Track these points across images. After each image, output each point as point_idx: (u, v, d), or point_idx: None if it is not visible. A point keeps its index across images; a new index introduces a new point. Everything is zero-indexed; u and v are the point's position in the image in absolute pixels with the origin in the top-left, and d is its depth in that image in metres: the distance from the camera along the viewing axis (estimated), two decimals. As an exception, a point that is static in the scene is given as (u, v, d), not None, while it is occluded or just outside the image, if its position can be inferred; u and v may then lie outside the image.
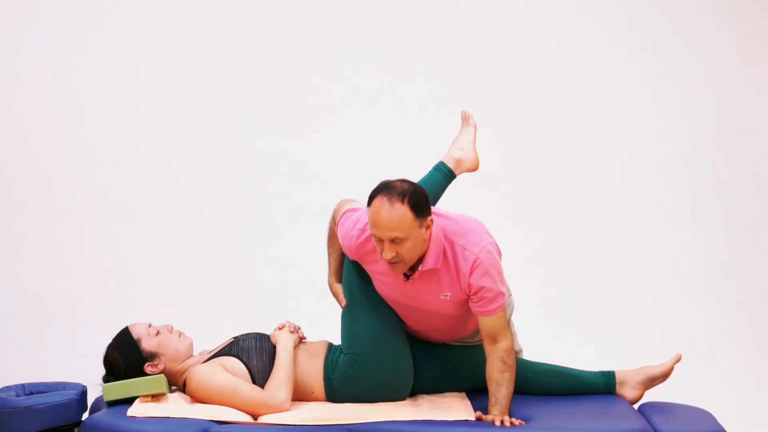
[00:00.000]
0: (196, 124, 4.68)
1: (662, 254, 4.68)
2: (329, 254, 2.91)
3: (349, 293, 2.81)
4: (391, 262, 2.49)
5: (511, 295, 2.89)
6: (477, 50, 4.77)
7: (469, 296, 2.56)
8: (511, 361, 2.55)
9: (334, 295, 2.89)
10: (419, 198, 2.46)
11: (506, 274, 2.89)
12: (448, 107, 4.67)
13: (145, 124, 4.65)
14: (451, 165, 3.05)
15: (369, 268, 2.72)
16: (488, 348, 2.56)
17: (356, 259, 2.73)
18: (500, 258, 2.61)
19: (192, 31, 4.68)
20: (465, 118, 3.20)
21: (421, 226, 2.46)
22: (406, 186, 2.47)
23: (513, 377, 2.55)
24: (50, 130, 4.58)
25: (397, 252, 2.44)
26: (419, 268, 2.54)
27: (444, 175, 3.03)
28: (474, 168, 3.10)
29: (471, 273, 2.52)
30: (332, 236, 2.87)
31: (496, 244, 2.62)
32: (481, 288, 2.52)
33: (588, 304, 4.54)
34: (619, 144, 4.77)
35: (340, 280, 2.88)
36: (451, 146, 3.12)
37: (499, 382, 2.53)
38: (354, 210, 2.75)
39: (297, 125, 4.71)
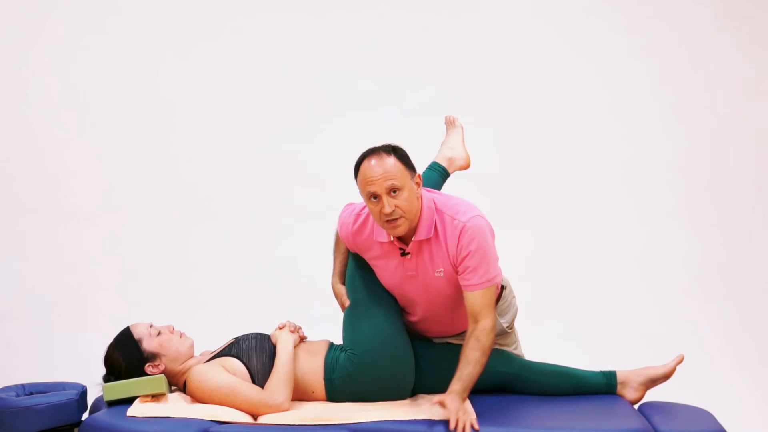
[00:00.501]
0: (200, 126, 4.68)
1: (663, 254, 4.68)
2: (335, 257, 2.95)
3: (351, 292, 2.83)
4: (391, 220, 2.51)
5: (514, 297, 2.89)
6: (477, 53, 4.78)
7: (456, 269, 2.57)
8: (485, 341, 2.51)
9: (336, 296, 2.91)
10: (405, 153, 2.58)
11: (508, 276, 2.89)
12: (450, 109, 4.71)
13: (150, 126, 4.65)
14: (444, 164, 3.11)
15: (368, 256, 2.74)
16: (469, 327, 2.54)
17: (354, 247, 2.76)
18: (492, 238, 2.61)
19: (196, 34, 4.69)
20: (450, 122, 3.27)
21: (411, 178, 2.54)
22: (389, 144, 2.58)
23: (484, 360, 2.52)
24: (55, 131, 4.59)
25: (396, 206, 2.49)
26: (413, 239, 2.57)
27: (439, 174, 3.08)
28: (466, 165, 3.15)
29: (458, 241, 2.54)
30: (338, 242, 2.93)
31: (489, 224, 2.62)
32: (466, 256, 2.53)
33: (589, 304, 4.54)
34: (618, 145, 4.78)
35: (343, 282, 2.89)
36: (441, 147, 3.19)
37: (469, 359, 2.50)
38: (353, 204, 2.81)
39: (299, 127, 4.72)
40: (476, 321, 2.53)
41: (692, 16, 4.79)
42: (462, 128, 3.22)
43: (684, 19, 4.80)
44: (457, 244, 2.54)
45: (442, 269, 2.60)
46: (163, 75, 4.66)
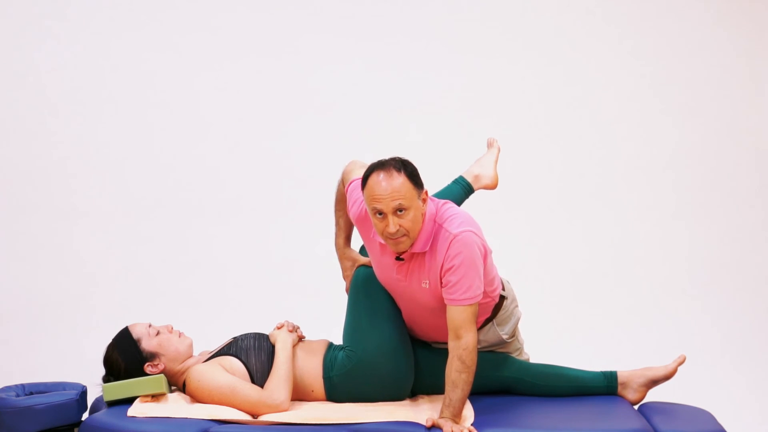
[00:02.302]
0: (197, 125, 4.68)
1: (663, 254, 4.68)
2: (337, 217, 2.92)
3: (353, 292, 2.82)
4: (394, 238, 2.50)
5: (516, 306, 2.88)
6: (477, 52, 4.77)
7: (441, 281, 2.55)
8: (470, 361, 2.49)
9: (340, 259, 2.90)
10: (414, 169, 2.53)
11: (508, 277, 2.89)
12: (446, 107, 4.72)
13: (146, 125, 4.65)
14: (470, 179, 3.09)
15: (368, 246, 2.74)
16: (451, 344, 2.51)
17: (361, 230, 2.74)
18: (483, 257, 2.57)
19: (189, 32, 4.68)
20: (490, 144, 3.25)
21: (419, 197, 2.51)
22: (399, 160, 2.53)
23: (471, 379, 2.50)
24: (50, 131, 4.58)
25: (401, 225, 2.47)
26: (410, 250, 2.56)
27: (462, 188, 3.07)
28: (492, 185, 3.13)
29: (445, 252, 2.52)
30: (341, 200, 2.89)
31: (483, 242, 2.59)
32: (449, 269, 2.51)
33: (589, 303, 4.54)
34: (619, 144, 4.78)
35: (348, 244, 2.89)
36: (474, 163, 3.17)
37: (456, 383, 2.48)
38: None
39: (297, 125, 4.72)
40: (458, 337, 2.50)
41: (692, 15, 4.79)
42: (499, 150, 3.20)
43: (684, 17, 4.79)
44: (444, 255, 2.52)
45: (428, 281, 2.58)
46: (156, 74, 4.65)
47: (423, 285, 2.60)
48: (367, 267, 2.82)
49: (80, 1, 4.62)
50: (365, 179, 2.51)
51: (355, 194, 2.74)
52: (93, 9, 4.62)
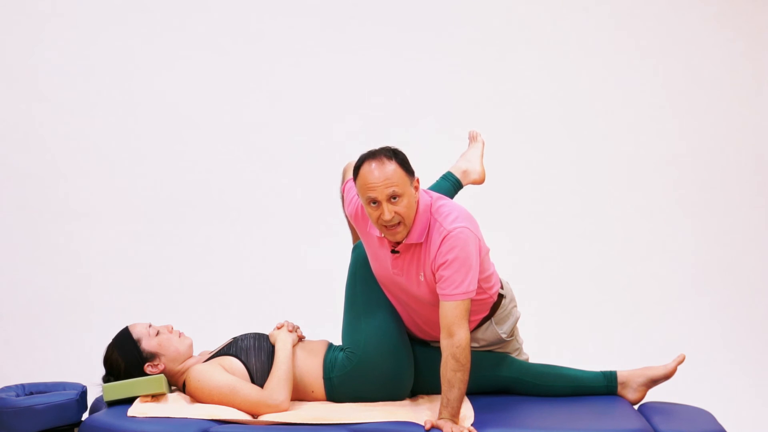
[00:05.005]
0: (200, 126, 4.68)
1: (663, 254, 4.68)
2: (347, 220, 2.97)
3: (351, 292, 2.83)
4: (390, 226, 2.51)
5: (515, 306, 2.88)
6: (475, 51, 4.78)
7: (434, 275, 2.55)
8: (465, 359, 2.48)
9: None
10: (405, 157, 2.56)
11: (507, 276, 2.89)
12: (444, 112, 4.72)
13: (147, 125, 4.65)
14: (458, 175, 3.10)
15: (364, 240, 2.75)
16: (443, 342, 2.50)
17: (357, 226, 2.76)
18: (478, 253, 2.57)
19: (211, 34, 4.67)
20: (473, 137, 3.26)
21: (411, 184, 2.53)
22: (389, 148, 2.56)
23: (466, 377, 2.49)
24: (50, 130, 4.58)
25: (396, 212, 2.49)
26: (404, 241, 2.57)
27: (452, 184, 3.08)
28: (480, 180, 3.15)
29: (438, 247, 2.52)
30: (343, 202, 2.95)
31: (478, 238, 2.59)
32: (442, 264, 2.51)
33: (589, 303, 4.54)
34: (618, 144, 4.77)
35: None
36: (460, 158, 3.18)
37: (452, 382, 2.47)
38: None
39: (298, 127, 4.72)
40: (450, 335, 2.49)
41: (692, 15, 4.79)
42: (483, 144, 3.22)
43: (684, 17, 4.79)
44: (437, 249, 2.53)
45: (423, 274, 2.59)
46: (168, 77, 4.65)
47: (419, 278, 2.60)
48: (364, 267, 2.81)
49: (95, 4, 4.62)
50: (357, 170, 2.53)
51: (351, 193, 2.77)
52: (107, 12, 4.62)
